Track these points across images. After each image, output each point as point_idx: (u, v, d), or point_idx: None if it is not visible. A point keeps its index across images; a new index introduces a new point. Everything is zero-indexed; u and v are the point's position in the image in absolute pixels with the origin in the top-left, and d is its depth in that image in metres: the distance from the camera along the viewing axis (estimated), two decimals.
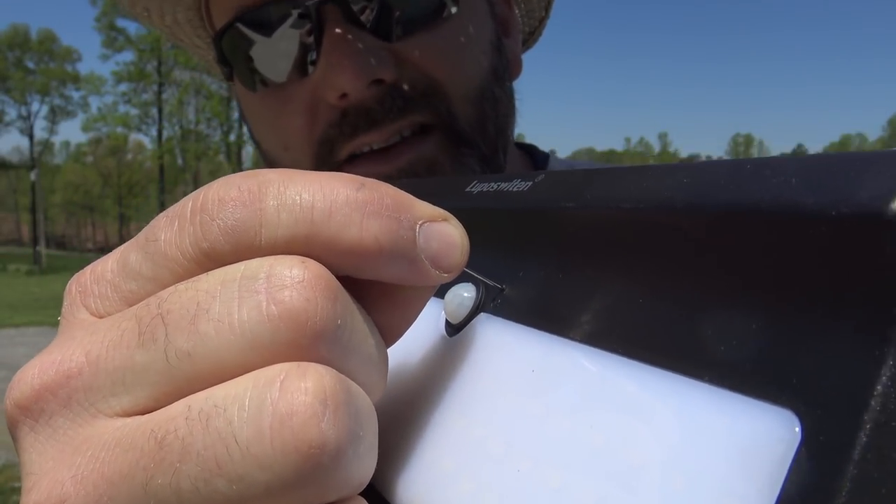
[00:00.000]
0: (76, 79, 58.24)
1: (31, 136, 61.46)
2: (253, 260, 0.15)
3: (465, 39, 0.45)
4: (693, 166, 0.13)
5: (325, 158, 0.43)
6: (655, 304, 0.13)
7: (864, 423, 0.09)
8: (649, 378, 0.12)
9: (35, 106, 61.00)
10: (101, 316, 0.16)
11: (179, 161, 39.00)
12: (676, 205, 0.12)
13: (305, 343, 0.14)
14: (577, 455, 0.13)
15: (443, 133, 0.43)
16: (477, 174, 0.23)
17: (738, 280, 0.11)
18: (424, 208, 0.16)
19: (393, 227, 0.15)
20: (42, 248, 50.95)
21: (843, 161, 0.10)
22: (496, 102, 0.46)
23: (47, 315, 16.21)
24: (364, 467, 0.14)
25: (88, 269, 0.17)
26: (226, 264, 0.15)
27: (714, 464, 0.10)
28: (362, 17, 0.41)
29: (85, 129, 33.87)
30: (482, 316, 0.18)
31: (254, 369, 0.14)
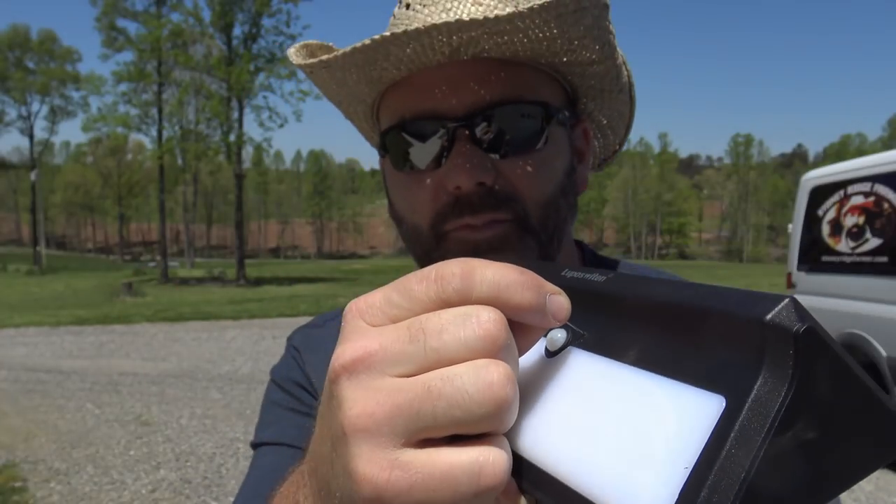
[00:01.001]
0: (76, 79, 57.87)
1: (31, 136, 61.12)
2: (469, 306, 0.29)
3: (547, 166, 0.65)
4: (688, 284, 0.27)
5: (435, 225, 0.65)
6: (660, 344, 0.27)
7: (751, 398, 0.22)
8: (655, 381, 0.26)
9: (35, 106, 60.75)
10: (373, 325, 0.31)
11: (179, 161, 38.82)
12: (678, 302, 0.27)
13: (496, 350, 0.28)
14: (622, 415, 0.27)
15: (515, 224, 0.64)
16: (567, 265, 0.36)
17: (704, 338, 0.25)
18: (551, 286, 0.31)
19: (535, 295, 0.30)
20: (42, 249, 50.73)
21: (752, 294, 0.24)
22: (559, 211, 0.67)
23: (47, 315, 16.09)
24: (514, 418, 0.29)
25: (362, 299, 0.32)
26: (451, 306, 0.30)
27: (687, 414, 0.24)
28: (482, 138, 0.63)
29: (85, 129, 33.69)
30: (570, 348, 0.32)
31: (469, 360, 0.28)
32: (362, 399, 0.29)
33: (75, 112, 58.51)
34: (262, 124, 30.97)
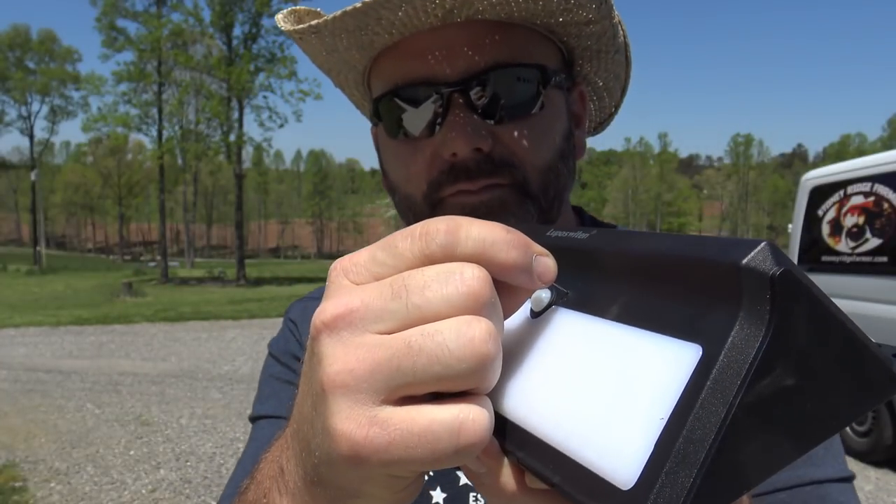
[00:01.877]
0: (76, 79, 57.87)
1: (31, 136, 61.13)
2: (453, 263, 0.29)
3: (545, 131, 0.64)
4: (669, 235, 0.27)
5: (430, 194, 0.63)
6: (641, 297, 0.27)
7: (727, 345, 0.22)
8: (639, 334, 0.26)
9: (35, 106, 60.81)
10: (356, 283, 0.31)
11: (179, 161, 38.80)
12: (657, 253, 0.27)
13: (479, 307, 0.28)
14: (602, 372, 0.27)
15: (514, 189, 0.62)
16: (552, 226, 0.35)
17: (683, 287, 0.25)
18: (538, 247, 0.31)
19: (522, 255, 0.29)
20: (42, 248, 50.72)
21: (730, 241, 0.23)
22: (558, 176, 0.65)
23: (47, 315, 16.08)
24: (496, 376, 0.29)
25: (347, 258, 0.32)
26: (437, 263, 0.29)
27: (664, 366, 0.24)
28: (476, 104, 0.61)
29: (85, 129, 33.62)
30: (553, 308, 0.32)
31: (452, 317, 0.28)
32: (342, 355, 0.29)
33: (75, 112, 58.47)
34: (262, 124, 31.02)
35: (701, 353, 0.23)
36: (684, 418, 0.22)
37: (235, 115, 31.29)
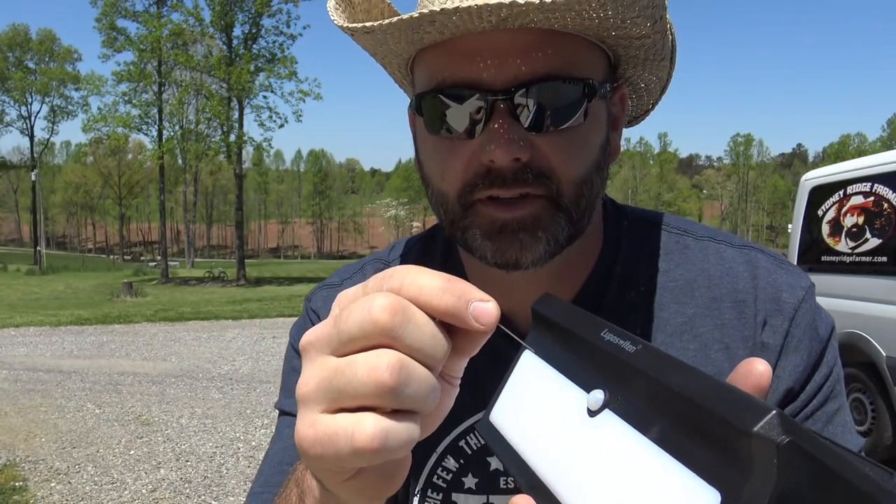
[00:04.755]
0: (76, 79, 57.82)
1: (31, 136, 61.14)
2: (373, 294, 0.35)
3: (583, 143, 0.64)
4: (701, 377, 0.30)
5: (464, 194, 0.64)
6: (675, 429, 0.31)
7: (741, 500, 0.25)
8: (672, 463, 0.30)
9: (35, 106, 60.79)
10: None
11: (179, 161, 38.79)
12: (688, 396, 0.30)
13: (378, 332, 0.34)
14: (638, 488, 0.31)
15: (548, 201, 0.63)
16: (607, 324, 0.38)
17: (708, 434, 0.28)
18: (477, 293, 0.36)
19: (455, 301, 0.35)
20: (42, 248, 50.71)
21: (747, 402, 0.27)
22: (592, 186, 0.66)
23: (47, 315, 16.04)
24: (416, 399, 0.34)
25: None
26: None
27: (689, 501, 0.28)
28: (520, 113, 0.61)
29: (85, 129, 33.49)
30: (606, 411, 0.35)
31: (365, 340, 0.34)
32: (306, 373, 0.36)
33: (75, 112, 58.41)
34: (262, 124, 30.94)
35: (720, 500, 0.27)
36: None
37: (235, 115, 31.26)
